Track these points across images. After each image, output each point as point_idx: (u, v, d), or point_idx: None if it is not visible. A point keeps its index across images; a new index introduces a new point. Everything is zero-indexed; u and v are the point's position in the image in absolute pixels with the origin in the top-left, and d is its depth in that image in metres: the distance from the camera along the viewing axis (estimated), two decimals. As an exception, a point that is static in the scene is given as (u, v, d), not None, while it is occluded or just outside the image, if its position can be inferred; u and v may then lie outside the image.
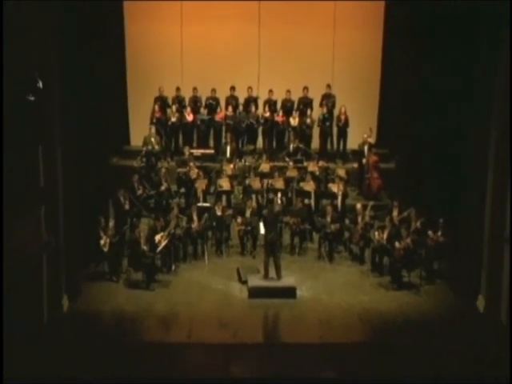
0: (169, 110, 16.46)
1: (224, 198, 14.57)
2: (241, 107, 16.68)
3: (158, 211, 14.11)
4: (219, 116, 16.56)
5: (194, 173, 14.93)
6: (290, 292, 12.21)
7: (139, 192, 14.35)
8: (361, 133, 16.00)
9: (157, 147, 15.72)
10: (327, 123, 16.56)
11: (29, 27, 9.71)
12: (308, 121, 16.45)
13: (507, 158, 10.94)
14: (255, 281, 12.45)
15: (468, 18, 11.65)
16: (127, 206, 13.86)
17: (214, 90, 16.68)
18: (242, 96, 16.74)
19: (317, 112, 16.65)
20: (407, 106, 15.14)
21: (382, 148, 16.44)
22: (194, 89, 16.73)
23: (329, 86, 16.71)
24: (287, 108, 16.66)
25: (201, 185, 14.63)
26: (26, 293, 9.84)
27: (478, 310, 11.83)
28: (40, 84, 9.76)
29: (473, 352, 10.16)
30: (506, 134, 10.95)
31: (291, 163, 15.55)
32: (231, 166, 15.40)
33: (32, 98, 9.62)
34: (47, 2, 10.33)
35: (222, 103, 16.75)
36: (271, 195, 14.44)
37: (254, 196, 14.66)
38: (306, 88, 16.62)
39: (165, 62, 16.87)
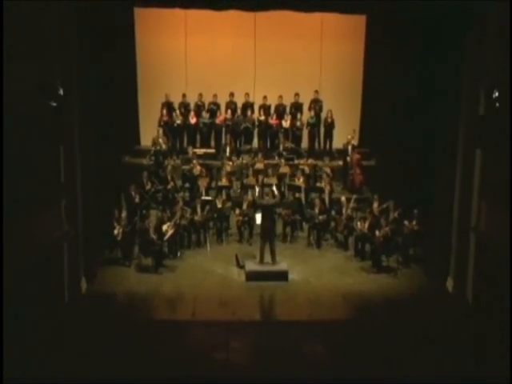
0: (174, 114, 16.44)
1: (224, 192, 14.57)
2: (239, 111, 16.61)
3: (165, 204, 14.17)
4: (219, 119, 16.50)
5: (197, 170, 14.94)
6: (282, 275, 12.26)
7: (148, 187, 14.34)
8: (345, 134, 15.99)
9: (164, 147, 15.66)
10: (315, 125, 16.59)
11: (50, 42, 9.81)
12: (298, 123, 16.42)
13: (473, 156, 11.08)
14: (252, 265, 12.50)
15: (438, 28, 11.74)
16: (137, 200, 13.87)
17: (215, 96, 16.62)
18: (239, 101, 16.69)
19: (306, 115, 16.65)
20: (386, 111, 15.11)
21: (364, 147, 16.42)
22: (200, 94, 16.70)
23: (317, 91, 16.67)
24: (280, 112, 16.60)
25: (203, 180, 14.67)
26: (49, 275, 9.98)
27: (447, 289, 11.97)
28: (61, 91, 9.84)
29: (443, 325, 10.31)
30: (472, 134, 11.09)
31: (283, 161, 15.52)
32: (230, 163, 15.38)
33: (54, 104, 9.71)
34: (66, 16, 10.39)
35: (222, 108, 16.67)
36: (266, 189, 14.54)
37: (250, 190, 14.67)
38: (297, 94, 16.59)
39: (171, 70, 16.78)
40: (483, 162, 10.85)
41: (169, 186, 14.61)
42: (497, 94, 9.88)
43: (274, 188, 13.98)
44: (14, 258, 8.33)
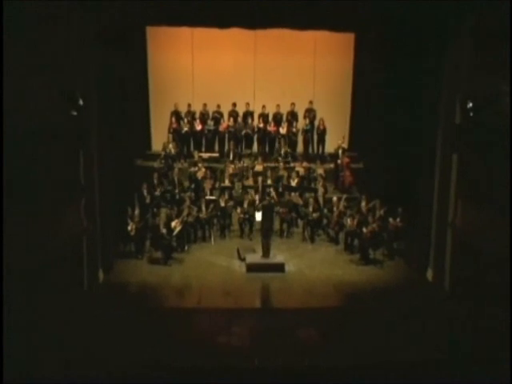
0: (182, 122, 16.48)
1: (226, 192, 14.59)
2: (240, 119, 16.62)
3: (173, 203, 14.19)
4: (223, 126, 16.50)
5: (202, 172, 14.97)
6: (279, 267, 12.31)
7: (158, 187, 14.37)
8: (336, 139, 16.01)
9: (173, 151, 15.70)
10: (309, 132, 16.63)
11: (71, 57, 9.90)
12: (294, 130, 16.44)
13: (450, 160, 11.15)
14: (252, 258, 12.55)
15: (419, 45, 11.71)
16: (148, 199, 13.86)
17: (218, 106, 16.66)
18: (241, 110, 16.70)
19: (301, 123, 16.67)
20: (373, 119, 15.16)
21: (353, 151, 16.47)
22: (204, 104, 16.71)
23: (311, 102, 16.66)
24: (277, 120, 16.59)
25: (208, 182, 14.69)
26: (70, 267, 10.06)
27: (427, 279, 12.02)
28: (81, 102, 9.90)
29: (424, 311, 10.37)
30: (449, 141, 11.17)
31: (281, 164, 15.61)
32: (232, 166, 15.43)
33: (75, 113, 9.81)
34: (86, 35, 10.48)
35: (225, 116, 16.70)
36: (267, 190, 14.54)
37: (250, 191, 14.70)
38: (293, 104, 16.56)
39: (179, 82, 16.80)
40: (459, 165, 10.94)
41: (176, 187, 14.64)
42: (470, 105, 10.00)
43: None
44: (39, 251, 8.44)
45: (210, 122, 16.62)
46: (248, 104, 16.79)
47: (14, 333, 7.18)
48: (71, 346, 8.62)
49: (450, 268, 11.22)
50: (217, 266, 12.53)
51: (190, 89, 16.95)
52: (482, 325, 9.13)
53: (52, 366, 7.82)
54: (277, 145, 16.54)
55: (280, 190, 14.95)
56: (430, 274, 12.02)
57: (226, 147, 16.68)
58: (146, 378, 7.96)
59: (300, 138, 16.77)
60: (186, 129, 16.41)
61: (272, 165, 15.87)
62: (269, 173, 15.24)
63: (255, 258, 12.59)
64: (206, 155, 16.13)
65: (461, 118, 10.70)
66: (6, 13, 7.42)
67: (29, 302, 7.81)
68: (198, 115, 16.77)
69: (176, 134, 16.30)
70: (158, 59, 16.68)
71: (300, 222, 14.44)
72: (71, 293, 9.99)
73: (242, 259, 12.71)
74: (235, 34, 15.23)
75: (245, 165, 15.74)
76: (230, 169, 15.30)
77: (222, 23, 13.22)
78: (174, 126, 16.35)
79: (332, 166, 16.18)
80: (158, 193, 14.23)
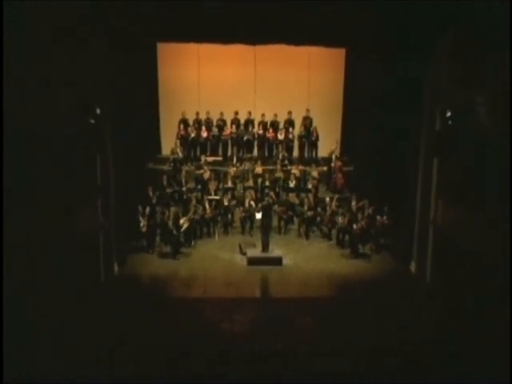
0: (189, 129, 16.52)
1: (229, 192, 14.65)
2: (242, 126, 16.66)
3: (181, 202, 14.26)
4: (226, 133, 16.56)
5: (207, 174, 15.05)
6: (277, 261, 12.36)
7: (167, 188, 14.44)
8: (329, 145, 16.04)
9: (181, 155, 15.75)
10: (304, 138, 16.64)
11: (90, 72, 10.03)
12: (291, 136, 16.46)
13: (431, 164, 11.22)
14: (252, 252, 12.59)
15: (403, 60, 11.72)
16: (155, 199, 13.81)
17: (222, 114, 16.66)
18: (242, 118, 16.73)
19: (297, 129, 16.67)
20: (363, 126, 15.16)
21: (345, 156, 16.46)
22: (207, 112, 16.71)
23: (308, 110, 16.63)
24: (275, 127, 16.63)
25: (212, 183, 14.74)
26: (87, 260, 10.15)
27: (411, 271, 12.10)
28: (98, 111, 10.04)
29: (407, 299, 10.48)
30: (431, 146, 11.26)
31: (279, 167, 15.66)
32: (234, 169, 15.46)
33: (92, 121, 9.93)
34: (102, 50, 10.58)
35: (228, 123, 16.71)
36: (266, 191, 14.60)
37: (251, 191, 14.76)
38: (289, 112, 16.61)
39: (186, 93, 16.83)
40: (439, 168, 11.02)
41: (184, 188, 14.72)
42: (449, 114, 10.11)
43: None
44: (60, 246, 8.54)
45: (214, 129, 16.63)
46: (249, 113, 16.80)
47: (15, 332, 6.96)
48: (86, 333, 8.61)
49: (431, 261, 11.30)
50: (220, 260, 12.57)
51: (196, 99, 16.96)
52: (460, 311, 9.24)
53: (52, 366, 7.58)
54: (275, 150, 16.58)
55: (277, 190, 14.99)
56: (413, 267, 12.10)
57: (229, 152, 16.71)
58: (147, 376, 7.81)
59: (296, 144, 16.76)
60: (192, 135, 16.41)
61: (270, 168, 15.91)
62: (267, 175, 15.28)
63: (255, 252, 12.65)
64: (210, 159, 16.12)
65: (440, 125, 10.79)
66: (27, 27, 7.53)
67: (36, 300, 7.71)
68: (203, 123, 16.77)
69: (183, 140, 16.31)
70: (168, 72, 16.70)
71: (296, 220, 14.48)
72: (89, 284, 10.05)
73: (244, 253, 12.77)
74: (237, 49, 15.36)
75: (246, 168, 15.77)
76: (232, 171, 15.33)
77: (226, 39, 13.36)
78: (182, 132, 16.36)
79: (325, 168, 16.17)
80: (166, 193, 14.23)
